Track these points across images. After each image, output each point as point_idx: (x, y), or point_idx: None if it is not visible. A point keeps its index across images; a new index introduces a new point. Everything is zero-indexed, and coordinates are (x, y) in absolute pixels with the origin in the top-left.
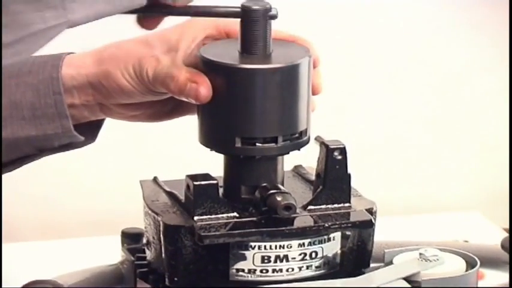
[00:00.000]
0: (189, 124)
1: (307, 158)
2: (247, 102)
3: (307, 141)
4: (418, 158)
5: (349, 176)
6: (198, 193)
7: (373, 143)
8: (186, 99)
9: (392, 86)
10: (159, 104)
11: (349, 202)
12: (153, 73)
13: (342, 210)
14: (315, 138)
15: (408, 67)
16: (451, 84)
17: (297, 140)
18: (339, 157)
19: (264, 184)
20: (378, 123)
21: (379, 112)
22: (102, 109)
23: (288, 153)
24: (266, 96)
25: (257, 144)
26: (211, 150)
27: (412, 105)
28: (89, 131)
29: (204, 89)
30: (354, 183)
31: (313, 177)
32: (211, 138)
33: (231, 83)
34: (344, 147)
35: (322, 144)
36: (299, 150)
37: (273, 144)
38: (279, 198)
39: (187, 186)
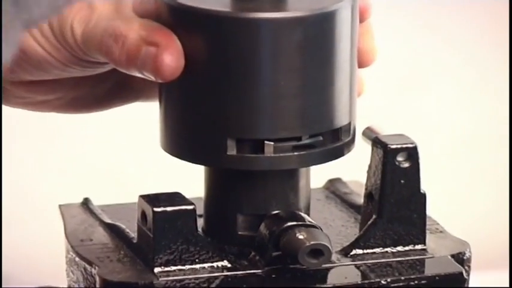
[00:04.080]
0: (144, 116)
1: (351, 165)
2: (247, 79)
3: (351, 143)
4: None
5: (423, 197)
6: (161, 227)
7: (455, 144)
8: (139, 74)
9: (473, 66)
10: (90, 82)
11: (424, 242)
12: (83, 30)
13: (412, 257)
14: (363, 133)
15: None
16: None
17: (334, 144)
18: (406, 164)
19: (276, 211)
20: (459, 114)
21: (458, 98)
22: None
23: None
24: (279, 68)
25: (265, 149)
26: (184, 160)
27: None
28: None
29: (170, 56)
30: (430, 210)
31: (360, 200)
32: (184, 141)
33: (220, 45)
34: (415, 147)
35: (377, 142)
36: (337, 158)
37: (291, 149)
38: (301, 236)
39: (143, 215)
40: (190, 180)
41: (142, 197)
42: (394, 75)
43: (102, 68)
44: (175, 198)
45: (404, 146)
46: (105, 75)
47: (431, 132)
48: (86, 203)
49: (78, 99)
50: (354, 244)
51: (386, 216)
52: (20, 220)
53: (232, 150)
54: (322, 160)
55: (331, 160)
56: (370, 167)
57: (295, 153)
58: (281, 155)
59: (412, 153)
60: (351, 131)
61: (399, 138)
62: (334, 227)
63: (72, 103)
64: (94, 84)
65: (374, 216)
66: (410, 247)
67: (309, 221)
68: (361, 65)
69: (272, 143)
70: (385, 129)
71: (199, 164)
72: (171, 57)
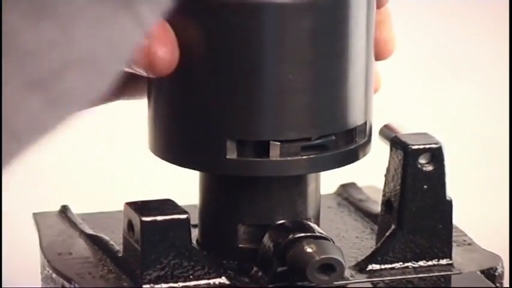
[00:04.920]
0: (130, 115)
1: (366, 168)
2: (250, 72)
3: (367, 145)
4: None
5: (449, 204)
6: (151, 238)
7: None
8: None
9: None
10: None
11: (449, 257)
12: None
13: (436, 273)
14: (380, 132)
15: None
16: None
17: (347, 146)
18: (429, 167)
19: (281, 221)
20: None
21: (480, 96)
22: None
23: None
24: (287, 60)
25: (271, 152)
26: (176, 165)
27: None
28: None
29: (164, 47)
30: (457, 219)
31: (377, 208)
32: (176, 143)
33: (220, 34)
34: (439, 148)
35: (396, 142)
36: (351, 163)
37: (299, 151)
38: (309, 249)
39: (130, 225)
40: (183, 186)
41: (129, 204)
42: (414, 67)
43: None
44: (166, 206)
45: (427, 146)
46: None
47: (456, 131)
48: (64, 211)
49: None
50: (370, 258)
51: (407, 226)
52: (20, 221)
53: (232, 154)
54: (334, 165)
55: (344, 165)
56: (388, 170)
57: (304, 156)
58: (288, 159)
59: (436, 155)
60: (367, 132)
61: (421, 137)
62: (348, 239)
63: None
64: None
65: (393, 227)
66: (434, 262)
67: (319, 232)
68: (378, 56)
69: (278, 143)
70: (405, 127)
71: (194, 169)
72: (165, 49)
